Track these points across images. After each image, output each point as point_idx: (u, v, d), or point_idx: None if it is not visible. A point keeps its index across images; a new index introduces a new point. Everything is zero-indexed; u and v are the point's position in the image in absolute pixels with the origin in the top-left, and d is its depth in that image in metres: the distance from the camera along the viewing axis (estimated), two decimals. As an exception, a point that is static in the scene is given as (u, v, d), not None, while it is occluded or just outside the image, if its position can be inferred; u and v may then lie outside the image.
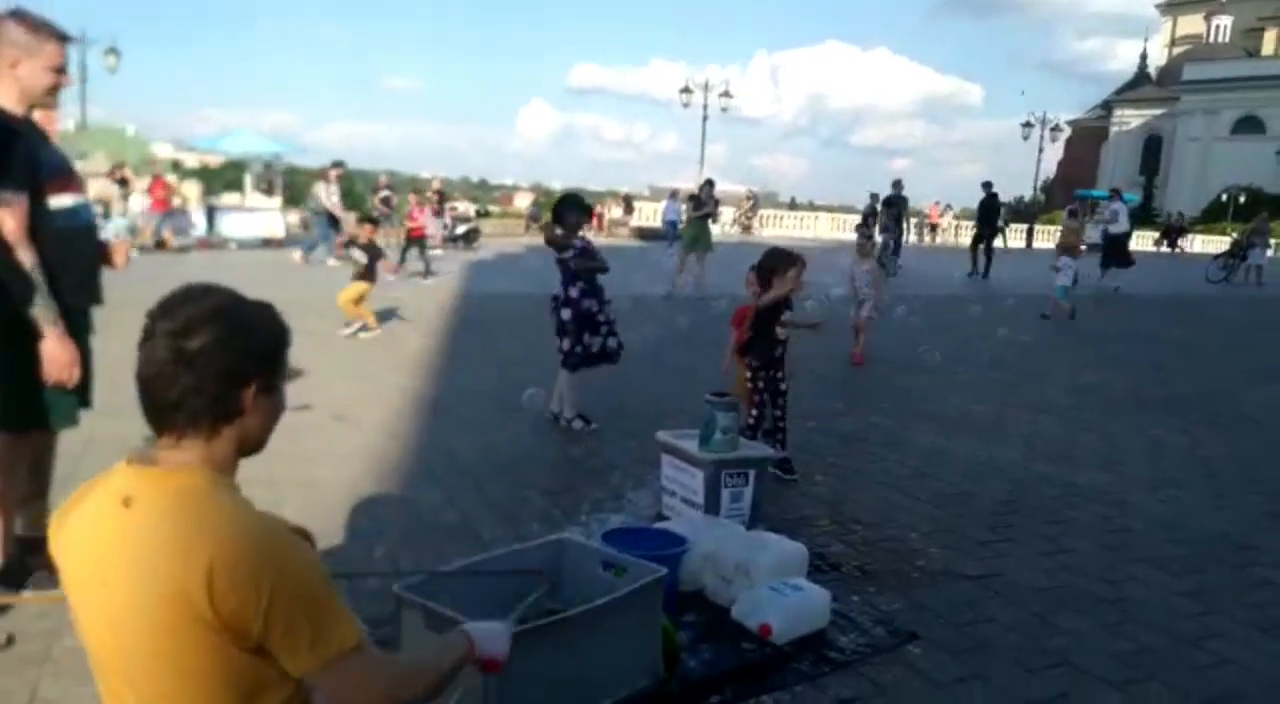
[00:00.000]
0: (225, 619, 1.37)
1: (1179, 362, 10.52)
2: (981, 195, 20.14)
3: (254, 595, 1.37)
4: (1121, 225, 18.64)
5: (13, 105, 3.06)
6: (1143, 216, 46.30)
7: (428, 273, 14.74)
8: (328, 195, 16.88)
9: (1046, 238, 35.04)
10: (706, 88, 33.86)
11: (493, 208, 46.55)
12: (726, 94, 33.85)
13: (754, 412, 5.14)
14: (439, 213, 22.60)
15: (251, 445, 1.56)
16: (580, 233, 5.99)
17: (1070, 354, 10.60)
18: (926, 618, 3.45)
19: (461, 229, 22.97)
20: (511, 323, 9.94)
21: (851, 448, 5.94)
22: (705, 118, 33.92)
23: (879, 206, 21.86)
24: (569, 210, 6.01)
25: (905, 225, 24.89)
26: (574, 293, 5.86)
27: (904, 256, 20.90)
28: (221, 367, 1.46)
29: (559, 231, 5.92)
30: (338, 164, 17.78)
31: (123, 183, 18.66)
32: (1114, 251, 18.41)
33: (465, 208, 27.10)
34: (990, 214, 20.19)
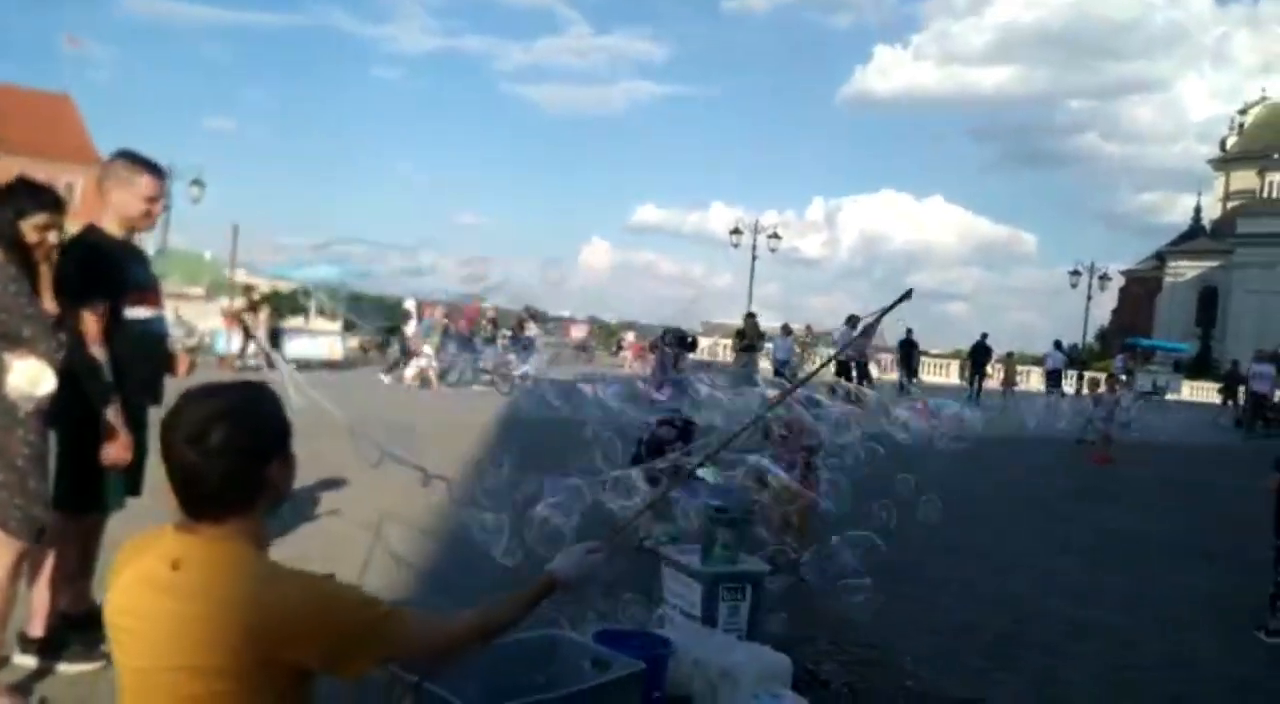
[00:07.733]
0: (283, 664, 1.61)
1: (1222, 510, 10.37)
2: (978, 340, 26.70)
3: (312, 644, 1.63)
4: (1051, 365, 28.77)
5: (113, 228, 3.60)
6: (1198, 367, 45.64)
7: None
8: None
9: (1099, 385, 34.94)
10: (756, 229, 35.14)
11: (550, 338, 47.88)
12: (775, 235, 35.16)
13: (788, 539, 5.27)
14: (492, 339, 23.46)
15: (278, 502, 1.78)
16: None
17: (1108, 500, 10.54)
18: (905, 735, 3.55)
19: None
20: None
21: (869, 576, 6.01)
22: (754, 258, 35.02)
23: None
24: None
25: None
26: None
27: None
28: (244, 456, 1.64)
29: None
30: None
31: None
32: (1050, 380, 28.41)
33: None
34: (980, 357, 26.41)
